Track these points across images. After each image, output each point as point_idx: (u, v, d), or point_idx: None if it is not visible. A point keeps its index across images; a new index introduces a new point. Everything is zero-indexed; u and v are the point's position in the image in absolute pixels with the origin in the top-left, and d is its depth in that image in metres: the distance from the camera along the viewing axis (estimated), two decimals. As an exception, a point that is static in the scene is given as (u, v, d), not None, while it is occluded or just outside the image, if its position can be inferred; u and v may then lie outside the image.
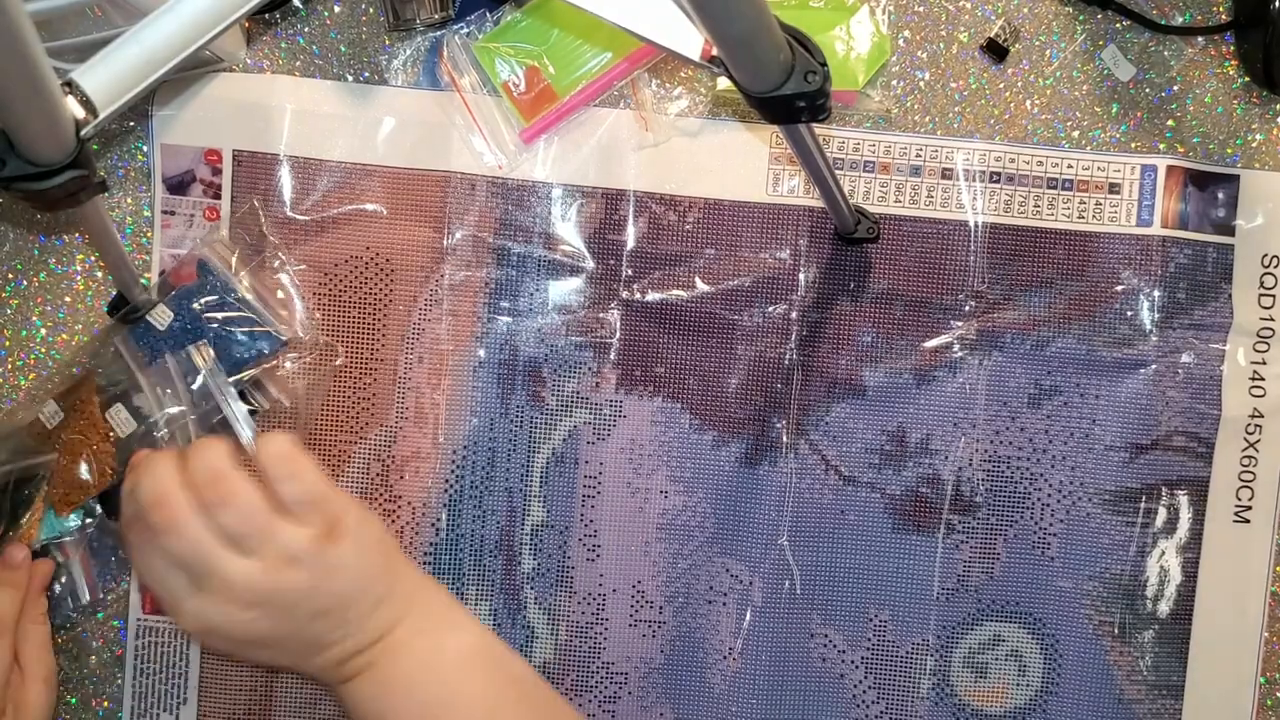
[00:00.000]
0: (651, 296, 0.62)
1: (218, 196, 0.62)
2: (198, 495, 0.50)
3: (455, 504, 0.62)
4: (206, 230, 0.61)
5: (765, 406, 0.62)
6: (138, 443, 0.58)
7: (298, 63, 0.62)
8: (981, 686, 0.63)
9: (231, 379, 0.59)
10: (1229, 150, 0.63)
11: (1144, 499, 0.62)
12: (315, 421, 0.62)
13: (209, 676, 0.62)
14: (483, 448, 0.62)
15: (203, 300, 0.59)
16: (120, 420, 0.58)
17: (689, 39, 0.44)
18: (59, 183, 0.40)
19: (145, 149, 0.62)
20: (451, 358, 0.62)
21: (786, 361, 0.62)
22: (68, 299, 0.63)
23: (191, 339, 0.58)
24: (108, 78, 0.41)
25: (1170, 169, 0.62)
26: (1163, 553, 0.62)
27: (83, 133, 0.40)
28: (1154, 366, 0.62)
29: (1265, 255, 0.63)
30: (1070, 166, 0.62)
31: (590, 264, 0.62)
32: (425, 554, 0.62)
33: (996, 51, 0.62)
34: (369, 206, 0.62)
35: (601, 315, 0.62)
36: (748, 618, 0.62)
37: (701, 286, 0.62)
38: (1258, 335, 0.62)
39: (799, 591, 0.63)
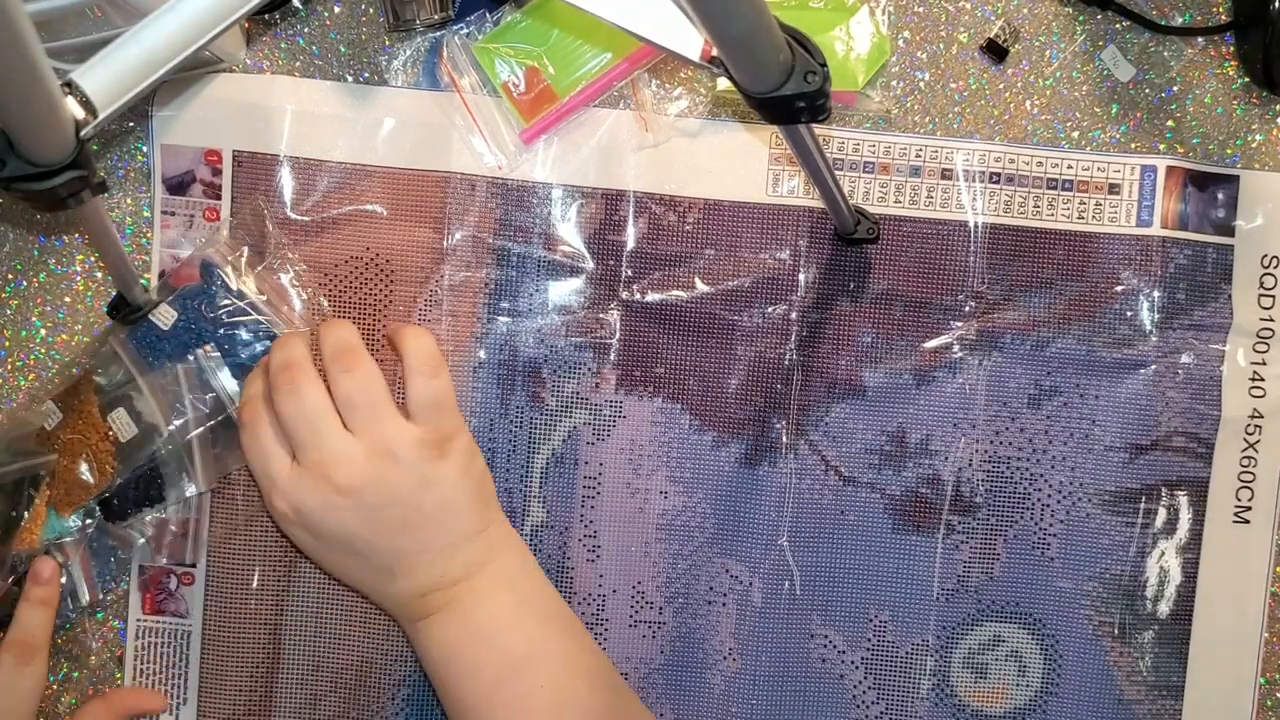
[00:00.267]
0: (651, 297, 0.62)
1: (218, 197, 0.62)
2: (325, 365, 0.52)
3: (455, 504, 0.62)
4: (208, 231, 0.61)
5: (765, 407, 0.62)
6: (139, 446, 0.58)
7: (297, 63, 0.62)
8: (981, 687, 0.63)
9: (237, 379, 0.59)
10: (1229, 151, 0.63)
11: (1144, 499, 0.62)
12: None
13: (209, 676, 0.62)
14: (482, 448, 0.62)
15: (206, 301, 0.59)
16: (122, 424, 0.58)
17: (689, 39, 0.44)
18: (59, 183, 0.40)
19: (145, 149, 0.62)
20: (451, 358, 0.62)
21: (786, 362, 0.62)
22: (67, 299, 0.63)
23: (195, 340, 0.58)
24: (108, 78, 0.41)
25: (1170, 169, 0.62)
26: (1162, 553, 0.62)
27: (83, 133, 0.40)
28: (1154, 367, 0.62)
29: (1265, 256, 0.63)
30: (1070, 167, 0.62)
31: (590, 264, 0.62)
32: (425, 554, 0.62)
33: (996, 52, 0.62)
34: (369, 207, 0.62)
35: (601, 316, 0.62)
36: (747, 618, 0.62)
37: (701, 287, 0.62)
38: (1257, 336, 0.62)
39: (799, 592, 0.63)
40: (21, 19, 0.32)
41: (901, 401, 0.62)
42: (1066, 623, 0.62)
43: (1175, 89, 0.63)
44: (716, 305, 0.62)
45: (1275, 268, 0.63)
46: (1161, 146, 0.63)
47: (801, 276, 0.62)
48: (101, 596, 0.62)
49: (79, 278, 0.63)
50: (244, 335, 0.59)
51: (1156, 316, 0.62)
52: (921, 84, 0.63)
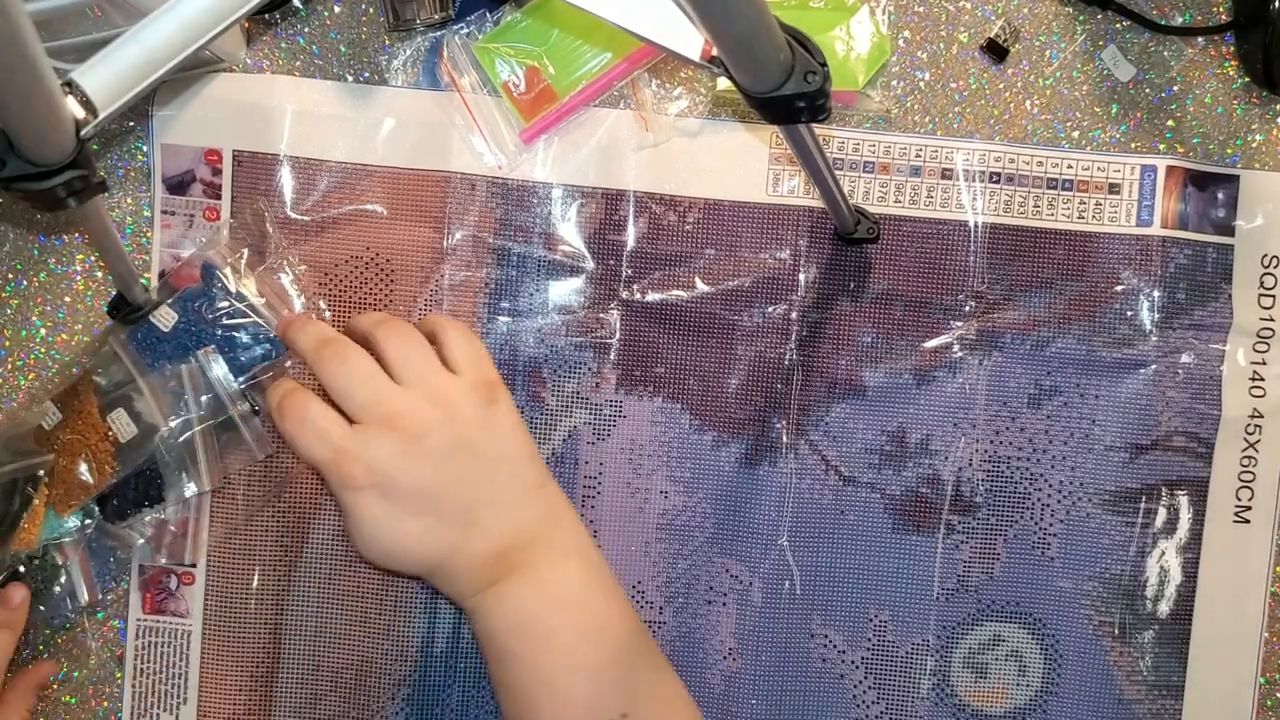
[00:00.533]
0: (651, 297, 0.62)
1: (218, 197, 0.62)
2: (366, 333, 0.54)
3: (455, 504, 0.62)
4: (209, 232, 0.61)
5: (765, 407, 0.62)
6: (138, 446, 0.58)
7: (298, 63, 0.62)
8: (981, 687, 0.63)
9: (238, 380, 0.59)
10: (1229, 150, 0.63)
11: (1144, 499, 0.62)
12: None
13: (209, 676, 0.62)
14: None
15: (207, 303, 0.59)
16: (122, 424, 0.58)
17: (689, 39, 0.44)
18: (59, 183, 0.40)
19: (145, 149, 0.62)
20: (451, 358, 0.62)
21: (786, 362, 0.62)
22: (68, 299, 0.63)
23: (196, 342, 0.58)
24: (108, 78, 0.41)
25: (1170, 169, 0.62)
26: (1163, 553, 0.62)
27: (83, 133, 0.40)
28: (1154, 367, 0.62)
29: (1265, 255, 0.63)
30: (1070, 167, 0.62)
31: (590, 264, 0.62)
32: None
33: (996, 52, 0.62)
34: (369, 207, 0.62)
35: (601, 315, 0.62)
36: (747, 618, 0.62)
37: (701, 287, 0.62)
38: (1258, 335, 0.62)
39: (799, 592, 0.63)
40: (22, 18, 0.32)
41: (902, 401, 0.62)
42: (1067, 622, 0.62)
43: (1175, 89, 0.63)
44: (717, 305, 0.62)
45: (1275, 267, 0.63)
46: (1162, 146, 0.63)
47: (802, 276, 0.62)
48: (100, 596, 0.62)
49: (79, 277, 0.63)
50: (244, 338, 0.59)
51: (1157, 316, 0.62)
52: (922, 84, 0.63)
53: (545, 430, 0.62)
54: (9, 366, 0.63)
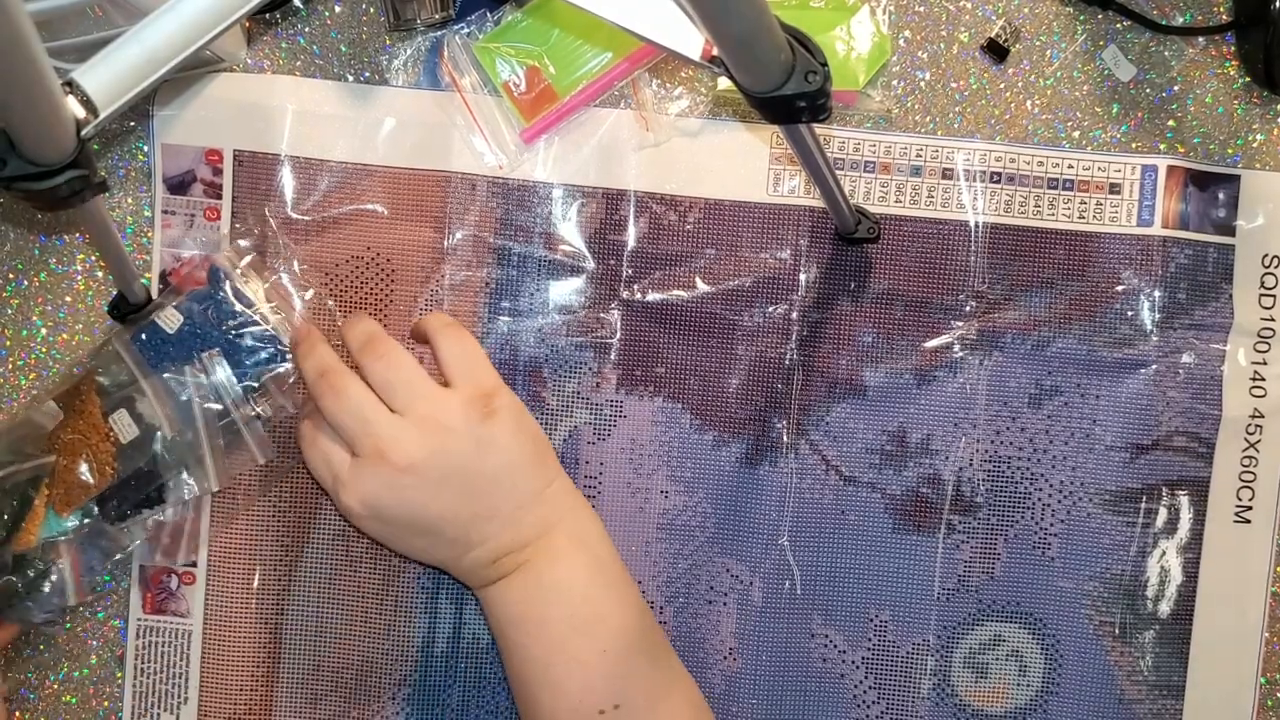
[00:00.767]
0: (652, 296, 0.62)
1: (218, 197, 0.62)
2: (355, 358, 0.54)
3: (456, 504, 0.62)
4: (211, 232, 0.61)
5: (766, 406, 0.62)
6: (140, 448, 0.58)
7: (298, 63, 0.62)
8: (982, 687, 0.63)
9: (242, 384, 0.58)
10: (1230, 150, 0.63)
11: (1144, 499, 0.62)
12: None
13: (209, 676, 0.62)
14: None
15: (213, 307, 0.59)
16: (123, 425, 0.58)
17: (689, 39, 0.44)
18: (60, 183, 0.40)
19: (146, 149, 0.62)
20: (452, 358, 0.62)
21: (787, 361, 0.62)
22: (68, 299, 0.63)
23: (201, 345, 0.58)
24: (108, 77, 0.41)
25: (1171, 169, 0.62)
26: (1163, 553, 0.62)
27: (83, 133, 0.40)
28: (1154, 367, 0.62)
29: (1266, 255, 0.63)
30: (1071, 167, 0.62)
31: (591, 264, 0.62)
32: (426, 554, 0.62)
33: (997, 52, 0.62)
34: (370, 206, 0.62)
35: (602, 315, 0.62)
36: (748, 618, 0.62)
37: (702, 287, 0.62)
38: (1258, 335, 0.62)
39: (799, 592, 0.63)
40: (22, 18, 0.32)
41: (902, 401, 0.62)
42: (1067, 622, 0.62)
43: (1176, 89, 0.63)
44: (717, 305, 0.62)
45: (1276, 267, 0.63)
46: (1162, 146, 0.63)
47: (802, 276, 0.62)
48: (89, 598, 0.61)
49: (80, 277, 0.63)
50: (249, 342, 0.59)
51: (1157, 316, 0.62)
52: (922, 84, 0.63)
53: (546, 430, 0.62)
54: (9, 366, 0.63)
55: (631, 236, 0.62)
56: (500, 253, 0.62)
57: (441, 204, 0.62)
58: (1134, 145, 0.63)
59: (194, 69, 0.60)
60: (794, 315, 0.62)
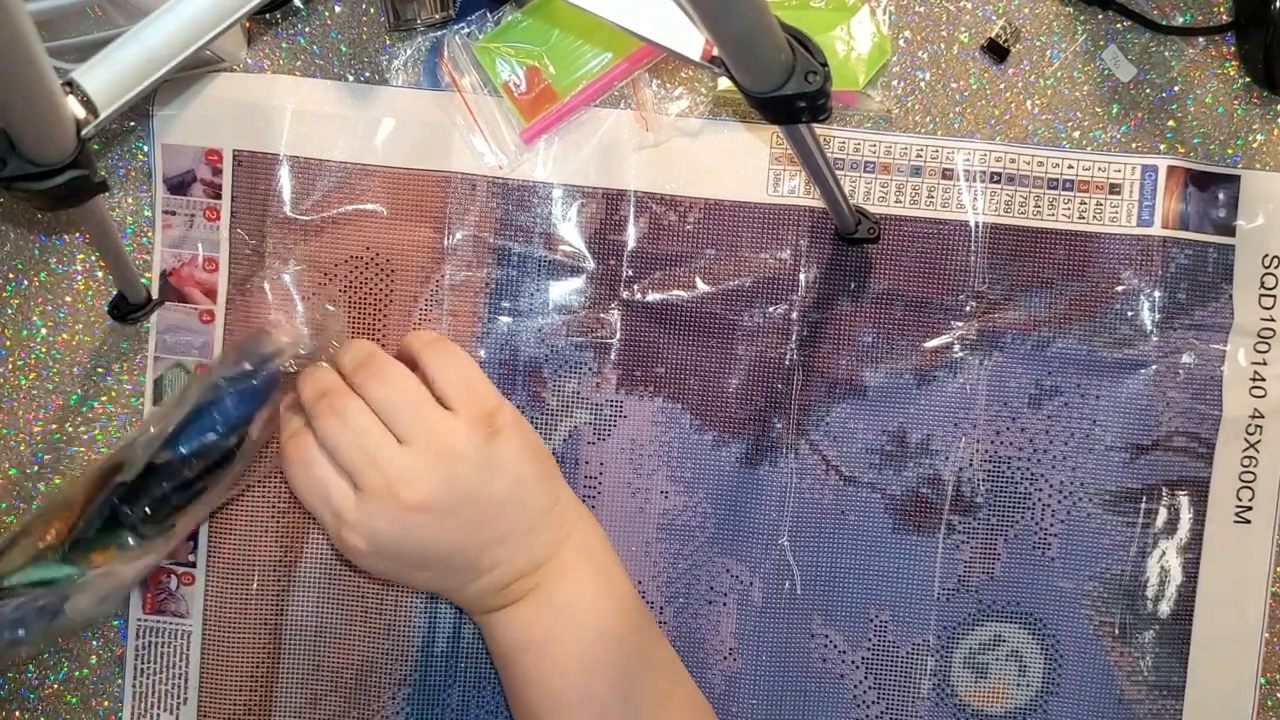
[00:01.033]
0: (652, 297, 0.62)
1: (218, 196, 0.62)
2: (354, 381, 0.50)
3: (455, 504, 0.62)
4: (214, 235, 0.61)
5: (766, 407, 0.62)
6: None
7: (298, 63, 0.62)
8: (982, 687, 0.63)
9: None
10: (1230, 151, 0.63)
11: (1144, 499, 0.62)
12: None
13: (209, 676, 0.62)
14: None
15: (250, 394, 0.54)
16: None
17: (689, 39, 0.44)
18: (60, 183, 0.40)
19: (146, 149, 0.62)
20: (452, 358, 0.62)
21: (787, 362, 0.62)
22: (68, 299, 0.63)
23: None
24: (108, 77, 0.41)
25: (1171, 169, 0.62)
26: (1163, 553, 0.62)
27: (83, 132, 0.40)
28: (1154, 367, 0.62)
29: (1266, 255, 0.63)
30: (1071, 167, 0.62)
31: (591, 264, 0.62)
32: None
33: (997, 52, 0.62)
34: (369, 206, 0.62)
35: (602, 315, 0.62)
36: (748, 618, 0.62)
37: (702, 287, 0.62)
38: (1258, 336, 0.62)
39: (799, 592, 0.63)
40: (22, 18, 0.32)
41: (902, 401, 0.62)
42: (1067, 623, 0.62)
43: (1176, 89, 0.63)
44: (717, 305, 0.62)
45: (1276, 267, 0.63)
46: (1162, 146, 0.63)
47: (802, 276, 0.62)
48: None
49: (80, 277, 0.63)
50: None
51: (1157, 316, 0.62)
52: (922, 84, 0.63)
53: (546, 430, 0.62)
54: (9, 366, 0.63)
55: (631, 236, 0.62)
56: (500, 253, 0.62)
57: (441, 204, 0.62)
58: (1134, 145, 0.63)
59: (194, 69, 0.60)
60: (794, 315, 0.62)
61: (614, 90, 0.61)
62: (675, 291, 0.62)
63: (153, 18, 0.42)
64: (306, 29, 0.62)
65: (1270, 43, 0.59)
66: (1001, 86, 0.63)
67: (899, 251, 0.62)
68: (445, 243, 0.62)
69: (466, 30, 0.61)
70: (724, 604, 0.62)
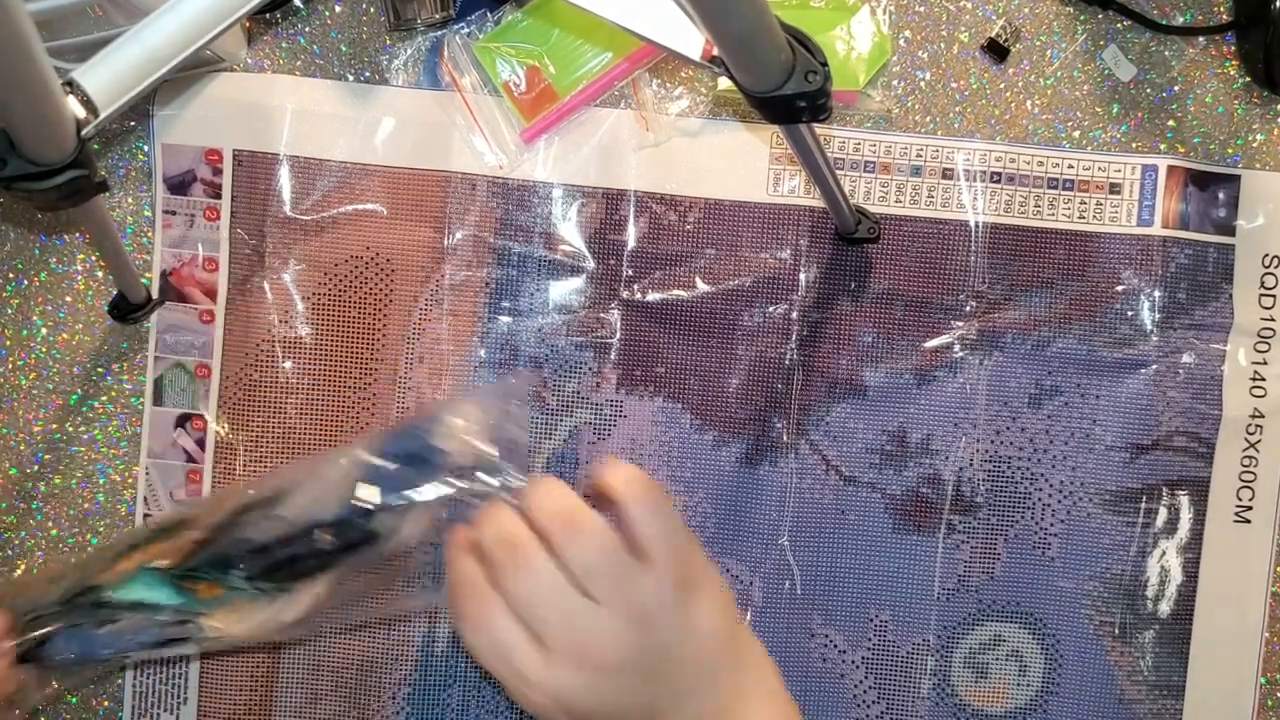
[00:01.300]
0: (652, 296, 0.62)
1: (218, 196, 0.62)
2: (546, 533, 0.45)
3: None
4: (214, 234, 0.61)
5: (766, 406, 0.62)
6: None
7: (298, 62, 0.62)
8: (982, 687, 0.63)
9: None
10: (1230, 150, 0.63)
11: (1144, 499, 0.62)
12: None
13: (209, 676, 0.62)
14: (483, 448, 0.62)
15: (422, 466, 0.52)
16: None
17: (689, 39, 0.44)
18: (60, 182, 0.40)
19: (146, 149, 0.62)
20: (452, 357, 0.62)
21: (787, 361, 0.62)
22: (68, 298, 0.63)
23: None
24: (109, 77, 0.41)
25: (1171, 169, 0.62)
26: (1163, 553, 0.62)
27: (83, 132, 0.40)
28: (1155, 367, 0.62)
29: (1266, 255, 0.63)
30: (1071, 166, 0.62)
31: (591, 264, 0.62)
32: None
33: (997, 51, 0.62)
34: (369, 206, 0.62)
35: (602, 315, 0.62)
36: (748, 618, 0.62)
37: (702, 286, 0.62)
38: (1258, 335, 0.62)
39: (799, 591, 0.63)
40: (23, 18, 0.32)
41: (902, 401, 0.62)
42: (1067, 622, 0.62)
43: (1176, 89, 0.63)
44: (717, 305, 0.62)
45: (1276, 267, 0.63)
46: (1162, 146, 0.63)
47: (802, 276, 0.62)
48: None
49: (80, 277, 0.63)
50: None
51: (1157, 316, 0.62)
52: (922, 83, 0.63)
53: (546, 430, 0.62)
54: (10, 366, 0.63)
55: (631, 236, 0.62)
56: (500, 252, 0.62)
57: (441, 204, 0.62)
58: (1134, 145, 0.63)
59: (194, 69, 0.60)
60: (794, 315, 0.62)
61: (614, 90, 0.61)
62: (675, 291, 0.62)
63: (153, 18, 0.42)
64: (306, 29, 0.62)
65: (1270, 42, 0.59)
66: (1001, 86, 0.63)
67: (899, 251, 0.62)
68: (445, 242, 0.62)
69: (466, 30, 0.61)
70: (724, 604, 0.62)
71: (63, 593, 0.52)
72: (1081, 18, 0.62)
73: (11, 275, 0.63)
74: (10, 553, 0.63)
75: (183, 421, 0.62)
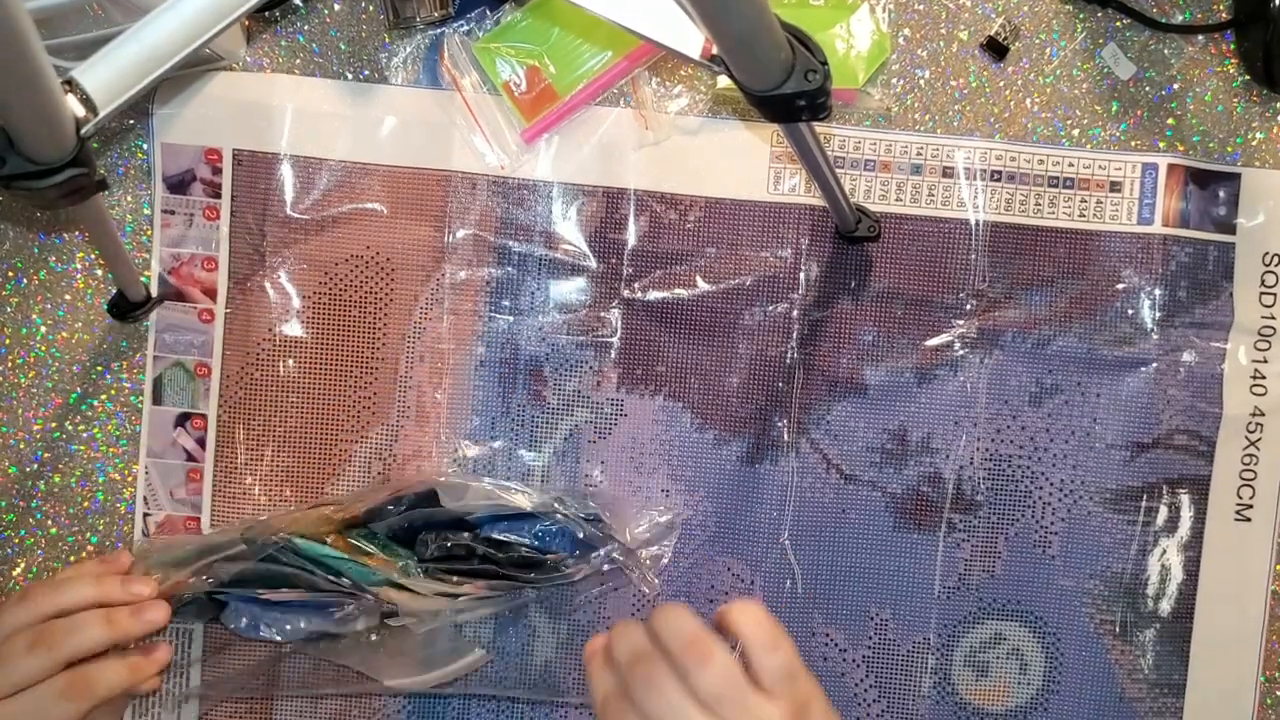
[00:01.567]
0: (653, 295, 0.62)
1: (218, 196, 0.62)
2: (673, 658, 0.49)
3: (456, 503, 0.62)
4: (214, 234, 0.61)
5: (766, 405, 0.62)
6: None
7: (297, 61, 0.62)
8: (983, 685, 0.63)
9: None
10: (1229, 148, 0.63)
11: (1145, 497, 0.62)
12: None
13: (210, 676, 0.62)
14: (483, 447, 0.62)
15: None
16: None
17: (689, 37, 0.44)
18: (59, 181, 0.40)
19: (145, 147, 0.62)
20: (453, 356, 0.62)
21: (788, 360, 0.62)
22: (68, 297, 0.63)
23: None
24: (108, 76, 0.41)
25: (1171, 167, 0.62)
26: (1164, 551, 0.62)
27: (83, 131, 0.40)
28: (1155, 365, 0.62)
29: (1266, 253, 0.63)
30: (1071, 165, 0.62)
31: (591, 263, 0.62)
32: (426, 553, 0.62)
33: (996, 49, 0.62)
34: (370, 205, 0.62)
35: (603, 314, 0.62)
36: (748, 616, 0.62)
37: (702, 285, 0.62)
38: (1259, 334, 0.62)
39: (800, 590, 0.62)
40: (22, 16, 0.32)
41: (903, 400, 0.62)
42: (1068, 621, 0.62)
43: (1176, 86, 0.63)
44: (718, 303, 0.62)
45: (1276, 265, 0.63)
46: (1162, 144, 0.63)
47: (803, 275, 0.62)
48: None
49: (79, 275, 0.63)
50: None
51: (1158, 314, 0.62)
52: (922, 81, 0.63)
53: (547, 429, 0.62)
54: (9, 364, 0.63)
55: (632, 235, 0.62)
56: (501, 251, 0.62)
57: (442, 203, 0.62)
58: (1133, 143, 0.63)
59: (193, 67, 0.60)
60: (794, 314, 0.62)
61: (614, 89, 0.61)
62: (676, 290, 0.62)
63: (152, 16, 0.42)
64: (306, 27, 0.62)
65: (1270, 40, 0.59)
66: (1001, 84, 0.63)
67: (899, 250, 0.62)
68: (446, 241, 0.62)
69: (466, 28, 0.61)
70: (725, 602, 0.62)
71: (246, 533, 0.58)
72: (1081, 16, 0.62)
73: (11, 274, 0.63)
74: (10, 551, 0.63)
75: (182, 420, 0.62)
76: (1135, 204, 0.62)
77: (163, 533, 0.62)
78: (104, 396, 0.63)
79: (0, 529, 0.63)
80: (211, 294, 0.62)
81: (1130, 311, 0.62)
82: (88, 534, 0.63)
